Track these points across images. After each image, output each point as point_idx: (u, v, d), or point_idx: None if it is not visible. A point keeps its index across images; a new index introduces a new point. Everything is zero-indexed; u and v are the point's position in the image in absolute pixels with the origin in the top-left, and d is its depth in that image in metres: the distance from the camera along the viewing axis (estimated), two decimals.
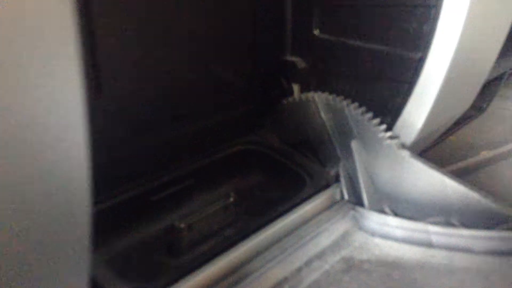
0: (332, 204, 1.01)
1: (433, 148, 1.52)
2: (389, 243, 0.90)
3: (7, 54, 0.39)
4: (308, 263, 0.85)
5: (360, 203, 1.00)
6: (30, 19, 0.39)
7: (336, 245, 0.90)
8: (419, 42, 0.92)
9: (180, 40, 0.99)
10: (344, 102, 1.02)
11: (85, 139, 0.46)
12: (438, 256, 0.83)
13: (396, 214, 0.97)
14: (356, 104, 1.01)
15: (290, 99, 1.18)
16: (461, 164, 1.76)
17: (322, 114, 1.07)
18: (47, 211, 0.46)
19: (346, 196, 1.03)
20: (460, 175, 1.69)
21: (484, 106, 1.95)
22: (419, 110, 0.97)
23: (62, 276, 0.53)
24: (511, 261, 0.77)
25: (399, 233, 0.90)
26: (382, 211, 0.97)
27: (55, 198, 0.46)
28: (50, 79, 0.42)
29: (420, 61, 0.93)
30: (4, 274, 0.45)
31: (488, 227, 0.83)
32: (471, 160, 1.79)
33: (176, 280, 0.77)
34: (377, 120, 0.98)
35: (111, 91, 0.90)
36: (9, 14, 0.38)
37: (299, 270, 0.83)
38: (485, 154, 1.85)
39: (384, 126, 0.97)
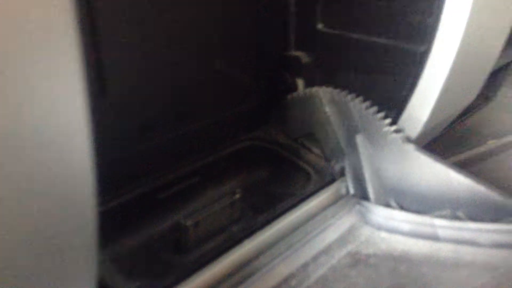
0: (337, 199, 1.01)
1: (440, 138, 1.52)
2: (395, 237, 0.90)
3: (7, 54, 0.39)
4: (314, 258, 0.85)
5: (365, 197, 1.00)
6: (30, 18, 0.39)
7: (342, 240, 0.90)
8: (423, 35, 0.92)
9: (184, 37, 0.99)
10: (349, 97, 1.02)
11: (88, 139, 0.46)
12: (444, 250, 0.83)
13: (402, 208, 0.97)
14: (361, 98, 1.01)
15: (294, 94, 1.18)
16: (468, 154, 1.75)
17: (327, 109, 1.07)
18: (52, 212, 0.47)
19: (351, 191, 1.03)
20: (467, 164, 1.69)
21: (491, 95, 1.94)
22: (424, 103, 0.96)
23: (70, 275, 0.53)
24: None
25: (405, 227, 0.90)
26: (388, 205, 0.97)
27: (60, 199, 0.47)
28: (51, 79, 0.42)
29: (425, 54, 0.92)
30: (12, 275, 0.46)
31: (494, 220, 0.83)
32: (478, 150, 1.78)
33: (183, 278, 0.78)
34: (381, 114, 0.98)
35: (115, 89, 0.90)
36: (9, 14, 0.38)
37: (305, 265, 0.84)
38: (492, 143, 1.84)
39: (389, 120, 0.97)
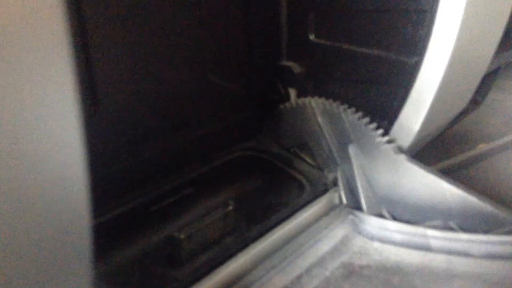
0: (331, 209, 1.02)
1: (430, 144, 1.53)
2: (388, 247, 0.90)
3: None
4: (308, 270, 0.85)
5: (358, 207, 1.00)
6: (21, 32, 0.39)
7: (335, 251, 0.90)
8: (414, 46, 0.92)
9: (176, 49, 0.99)
10: (341, 107, 1.02)
11: (81, 152, 0.46)
12: (437, 260, 0.84)
13: (394, 218, 0.97)
14: (353, 109, 1.01)
15: (287, 104, 1.18)
16: (459, 158, 1.76)
17: (319, 119, 1.07)
18: (45, 226, 0.46)
19: (344, 201, 1.03)
20: (458, 169, 1.70)
21: (480, 99, 1.95)
22: (415, 113, 0.97)
23: None
24: (509, 265, 0.77)
25: (398, 237, 0.90)
26: (380, 215, 0.98)
27: (53, 213, 0.46)
28: (44, 94, 0.42)
29: (416, 65, 0.93)
30: None
31: (486, 230, 0.83)
32: (468, 154, 1.79)
33: None
34: (374, 125, 0.98)
35: (108, 102, 0.90)
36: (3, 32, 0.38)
37: (299, 278, 0.84)
38: (482, 147, 1.85)
39: (381, 131, 0.98)
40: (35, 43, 0.40)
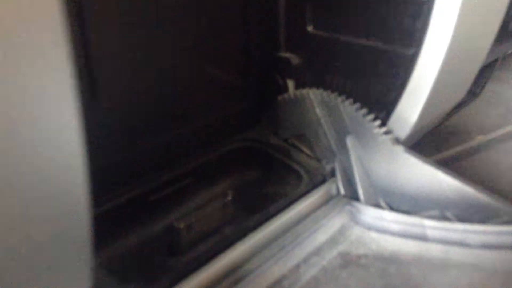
0: (328, 199, 1.02)
1: (428, 135, 1.53)
2: (385, 237, 0.91)
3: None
4: (306, 259, 0.86)
5: (356, 197, 1.01)
6: (19, 24, 0.39)
7: (333, 241, 0.91)
8: (412, 38, 0.92)
9: (174, 40, 0.99)
10: (339, 98, 1.02)
11: (81, 143, 0.47)
12: (433, 250, 0.85)
13: (391, 208, 0.98)
14: (351, 100, 1.02)
15: (285, 95, 1.19)
16: (456, 150, 1.76)
17: (317, 110, 1.08)
18: (46, 216, 0.47)
19: (342, 191, 1.04)
20: (455, 161, 1.70)
21: (478, 90, 1.95)
22: (413, 104, 0.97)
23: (64, 280, 0.53)
24: (505, 255, 0.78)
25: (395, 227, 0.91)
26: (378, 205, 0.99)
27: (53, 203, 0.47)
28: (43, 85, 0.42)
29: (414, 57, 0.93)
30: (5, 281, 0.46)
31: (482, 220, 0.84)
32: (466, 145, 1.80)
33: (176, 281, 0.78)
34: (371, 116, 0.99)
35: (107, 93, 0.90)
36: (4, 25, 0.38)
37: (297, 267, 0.84)
38: (480, 139, 1.85)
39: (378, 122, 0.98)
40: (33, 36, 0.40)
